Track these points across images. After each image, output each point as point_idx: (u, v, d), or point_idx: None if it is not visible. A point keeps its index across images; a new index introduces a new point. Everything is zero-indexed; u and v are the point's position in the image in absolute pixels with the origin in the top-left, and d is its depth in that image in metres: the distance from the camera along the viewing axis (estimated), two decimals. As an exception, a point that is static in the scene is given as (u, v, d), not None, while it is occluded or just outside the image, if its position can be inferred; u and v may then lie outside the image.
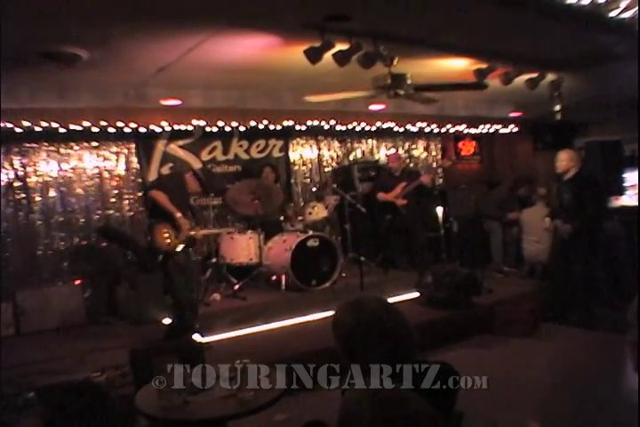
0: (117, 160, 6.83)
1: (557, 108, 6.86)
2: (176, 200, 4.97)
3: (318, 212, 6.75)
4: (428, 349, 3.38)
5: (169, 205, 4.89)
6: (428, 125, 8.44)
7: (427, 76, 5.33)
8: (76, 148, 6.59)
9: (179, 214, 4.91)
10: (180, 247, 4.97)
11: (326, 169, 8.35)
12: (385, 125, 8.06)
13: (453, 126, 8.72)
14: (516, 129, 9.25)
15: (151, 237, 4.90)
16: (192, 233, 5.09)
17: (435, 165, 9.25)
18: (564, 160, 5.69)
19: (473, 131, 9.06)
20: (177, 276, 4.98)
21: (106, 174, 6.77)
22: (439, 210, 7.47)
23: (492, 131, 9.14)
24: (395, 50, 4.63)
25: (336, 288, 6.24)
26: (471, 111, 8.51)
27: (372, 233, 7.58)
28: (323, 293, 6.16)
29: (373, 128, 8.04)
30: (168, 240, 4.93)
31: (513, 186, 7.56)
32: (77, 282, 6.08)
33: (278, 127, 7.34)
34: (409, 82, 4.94)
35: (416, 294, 6.19)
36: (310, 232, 6.46)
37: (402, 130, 8.37)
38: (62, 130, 6.03)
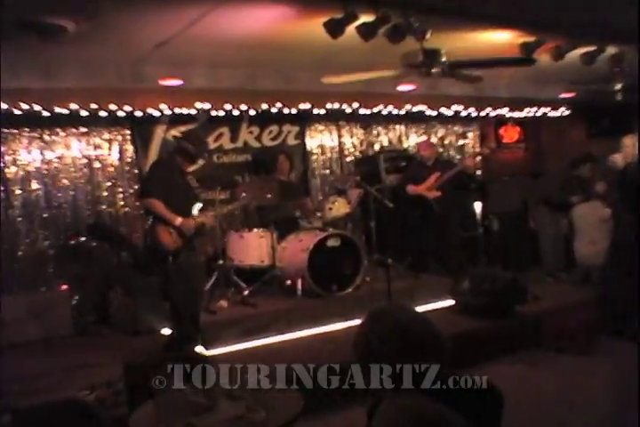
0: (110, 148, 6.86)
1: (618, 87, 6.76)
2: (175, 194, 5.01)
3: (339, 207, 6.74)
4: (464, 365, 3.34)
5: (167, 213, 4.93)
6: (465, 109, 8.45)
7: (464, 52, 5.27)
8: (63, 134, 6.61)
9: (179, 220, 4.94)
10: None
11: (348, 159, 8.39)
12: (415, 109, 8.09)
13: (494, 109, 8.70)
14: (567, 112, 9.20)
15: (153, 236, 4.93)
16: (200, 220, 5.17)
17: (472, 153, 9.18)
18: (632, 146, 5.60)
19: (517, 114, 9.05)
20: (178, 279, 4.99)
21: (97, 164, 6.80)
22: (477, 205, 7.43)
23: (538, 114, 9.12)
24: (427, 22, 4.60)
25: (359, 294, 6.26)
26: (515, 92, 8.47)
27: (401, 232, 7.61)
28: (344, 300, 6.17)
29: (402, 112, 8.06)
30: (173, 239, 4.96)
31: (572, 164, 7.32)
32: (64, 287, 6.13)
33: (293, 111, 7.36)
34: (443, 58, 4.91)
35: (451, 302, 6.18)
36: (330, 230, 6.48)
37: (435, 114, 8.39)
38: (46, 113, 6.06)
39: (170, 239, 4.93)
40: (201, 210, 5.27)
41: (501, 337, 5.51)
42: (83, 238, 6.59)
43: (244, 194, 6.22)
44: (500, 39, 5.58)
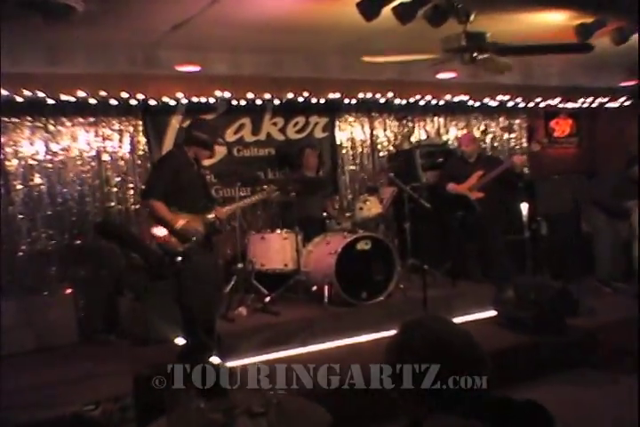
0: (120, 140, 6.91)
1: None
2: (182, 191, 5.06)
3: (371, 207, 6.74)
4: (508, 384, 3.33)
5: (168, 216, 4.98)
6: (512, 99, 8.36)
7: (512, 36, 5.22)
8: (69, 124, 6.65)
9: (180, 223, 4.98)
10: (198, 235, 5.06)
11: (381, 154, 8.39)
12: (456, 99, 8.04)
13: (544, 100, 8.61)
14: (628, 102, 9.06)
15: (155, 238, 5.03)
16: (212, 216, 5.22)
17: (520, 149, 9.15)
18: None
19: (570, 105, 8.94)
20: (191, 282, 5.02)
21: (106, 157, 6.84)
22: (524, 206, 7.35)
23: (595, 105, 9.00)
24: (471, 2, 4.58)
25: (392, 303, 6.29)
26: (568, 80, 8.37)
27: (439, 234, 7.60)
28: (375, 309, 6.20)
29: (441, 102, 8.03)
30: (176, 241, 5.03)
31: (627, 164, 7.16)
32: (68, 291, 6.16)
33: (322, 101, 7.36)
34: (489, 42, 4.87)
35: (493, 314, 6.17)
36: (360, 232, 6.49)
37: (478, 104, 8.35)
38: (51, 101, 6.09)
39: (174, 242, 5.00)
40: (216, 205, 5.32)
41: (550, 354, 5.46)
42: (89, 238, 6.65)
43: (265, 186, 6.23)
44: (553, 21, 5.53)
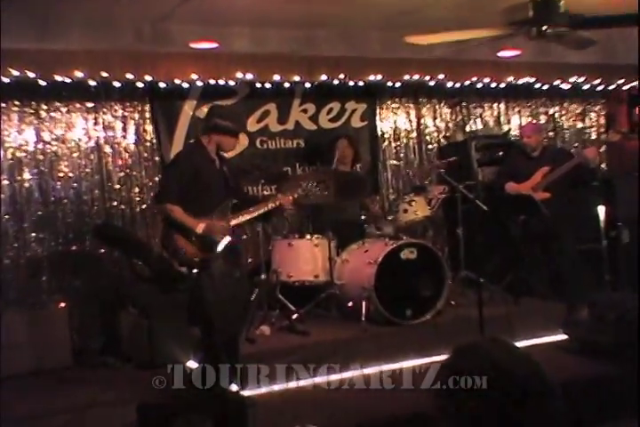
0: (125, 128, 6.95)
1: None
2: (202, 191, 5.13)
3: (417, 209, 6.72)
4: (582, 424, 3.28)
5: (188, 220, 5.03)
6: (588, 80, 8.31)
7: (589, 5, 5.13)
8: (64, 109, 6.69)
9: (201, 226, 5.02)
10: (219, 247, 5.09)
11: (430, 146, 8.42)
12: (520, 81, 8.03)
13: (627, 82, 8.53)
14: None
15: (170, 244, 5.05)
16: (232, 223, 5.27)
17: (595, 140, 9.07)
18: None
19: (660, 88, 8.81)
20: (211, 297, 5.04)
21: (107, 149, 6.88)
22: (601, 209, 7.27)
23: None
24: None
25: (441, 323, 6.29)
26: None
27: (498, 242, 7.52)
28: (421, 329, 6.21)
29: (502, 85, 8.04)
30: (195, 248, 5.05)
31: None
32: (62, 305, 6.17)
33: (360, 84, 7.39)
34: (562, 13, 4.81)
35: (563, 337, 6.12)
36: (405, 238, 6.51)
37: (546, 87, 8.33)
38: (43, 82, 6.15)
39: (191, 249, 5.03)
40: (238, 208, 5.36)
41: (634, 388, 5.37)
42: (87, 244, 6.70)
43: (279, 195, 6.05)
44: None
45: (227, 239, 5.14)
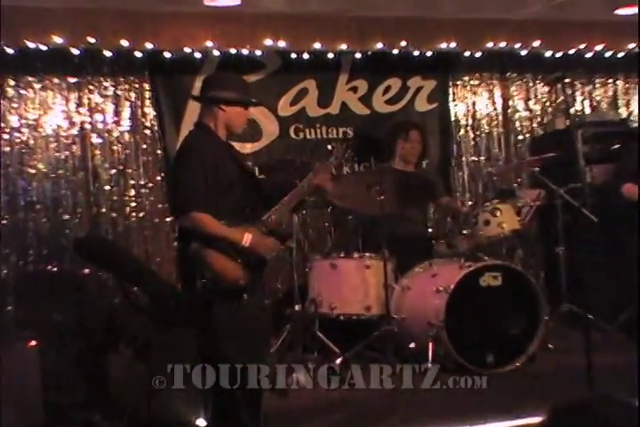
0: (117, 112, 6.96)
1: None
2: (226, 194, 4.92)
3: (503, 220, 6.49)
4: None
5: (228, 232, 4.81)
6: None
7: None
8: (37, 86, 6.71)
9: (248, 237, 4.79)
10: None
11: (520, 137, 8.39)
12: (643, 50, 7.93)
13: None
14: None
15: (207, 269, 4.79)
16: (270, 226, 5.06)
17: None
18: None
19: None
20: (232, 336, 4.84)
21: (94, 138, 6.89)
22: None
23: None
24: None
25: (535, 372, 6.06)
26: None
27: (612, 266, 7.34)
28: (508, 380, 5.94)
29: (620, 55, 7.93)
30: (241, 270, 4.83)
31: None
32: (32, 344, 5.90)
33: (427, 54, 7.35)
34: None
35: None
36: (486, 259, 6.38)
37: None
38: (10, 50, 6.17)
39: (237, 272, 4.81)
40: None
41: None
42: (67, 262, 6.66)
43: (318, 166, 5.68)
44: None
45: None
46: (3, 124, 6.59)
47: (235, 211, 4.90)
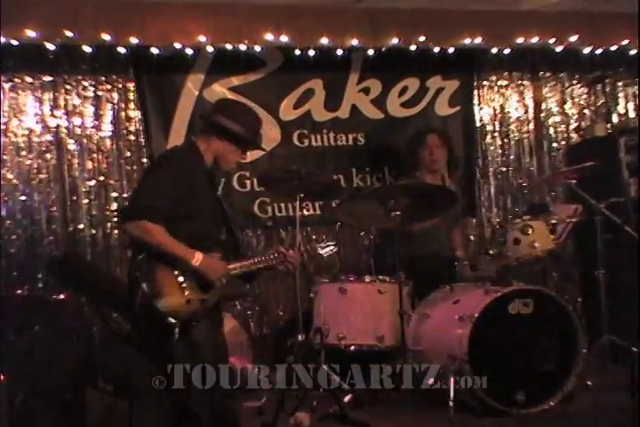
0: (98, 115, 6.96)
1: None
2: (193, 216, 4.94)
3: (535, 239, 6.36)
4: None
5: (177, 247, 4.80)
6: None
7: None
8: (7, 85, 6.72)
9: (198, 257, 4.77)
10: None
11: (554, 145, 8.31)
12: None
13: None
14: None
15: (149, 288, 4.73)
16: (234, 268, 5.05)
17: None
18: None
19: None
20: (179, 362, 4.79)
21: (71, 144, 6.89)
22: None
23: None
24: None
25: (572, 413, 5.91)
26: None
27: None
28: (541, 422, 5.82)
29: None
30: (185, 295, 4.78)
31: None
32: (-1, 378, 6.07)
33: (450, 51, 7.33)
34: None
35: None
36: (515, 284, 6.23)
37: None
38: None
39: (179, 297, 4.76)
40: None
41: None
42: (39, 285, 6.65)
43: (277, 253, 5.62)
44: None
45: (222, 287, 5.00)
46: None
47: (194, 239, 4.86)
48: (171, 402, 5.14)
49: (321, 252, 5.92)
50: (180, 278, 4.76)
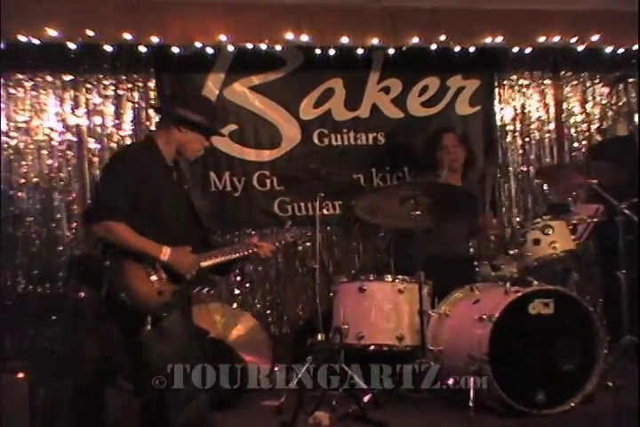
0: (118, 113, 6.98)
1: None
2: (158, 213, 5.02)
3: (555, 239, 6.37)
4: None
5: (142, 243, 4.88)
6: None
7: None
8: (28, 84, 6.73)
9: (166, 251, 4.86)
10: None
11: (576, 144, 8.37)
12: None
13: None
14: None
15: (119, 284, 4.79)
16: (203, 264, 5.09)
17: None
18: None
19: None
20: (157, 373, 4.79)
21: (91, 143, 6.90)
22: None
23: None
24: None
25: (593, 414, 5.85)
26: None
27: None
28: (561, 423, 5.77)
29: None
30: (155, 287, 4.86)
31: None
32: (20, 376, 5.90)
33: (470, 50, 7.32)
34: None
35: None
36: (535, 284, 6.15)
37: None
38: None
39: (149, 289, 4.83)
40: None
41: None
42: (61, 284, 6.63)
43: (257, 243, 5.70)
44: None
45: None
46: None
47: (160, 234, 4.94)
48: (142, 402, 5.17)
49: (287, 234, 5.87)
50: (151, 271, 4.83)
